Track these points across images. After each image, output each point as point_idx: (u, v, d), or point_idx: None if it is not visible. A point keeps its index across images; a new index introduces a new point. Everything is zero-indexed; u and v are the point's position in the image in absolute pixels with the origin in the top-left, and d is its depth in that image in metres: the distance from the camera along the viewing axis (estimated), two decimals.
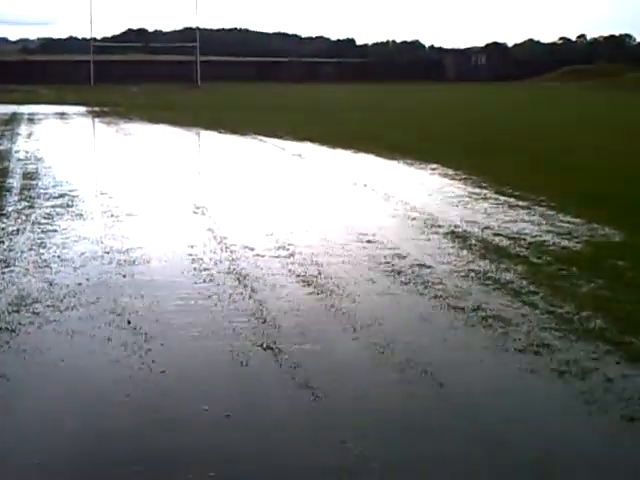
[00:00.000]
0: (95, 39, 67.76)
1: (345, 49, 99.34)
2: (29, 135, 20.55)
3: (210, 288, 7.02)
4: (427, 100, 42.10)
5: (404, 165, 15.31)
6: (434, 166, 14.92)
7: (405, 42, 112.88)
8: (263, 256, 8.22)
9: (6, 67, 67.19)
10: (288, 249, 8.50)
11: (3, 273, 7.52)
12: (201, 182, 13.91)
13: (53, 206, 10.87)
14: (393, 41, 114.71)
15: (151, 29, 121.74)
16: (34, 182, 12.84)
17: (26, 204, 10.98)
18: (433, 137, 20.70)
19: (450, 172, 14.20)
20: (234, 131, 21.98)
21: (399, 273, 7.52)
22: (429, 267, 7.76)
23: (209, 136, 22.12)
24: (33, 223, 9.75)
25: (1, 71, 64.55)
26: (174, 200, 11.55)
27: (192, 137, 22.35)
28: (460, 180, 13.36)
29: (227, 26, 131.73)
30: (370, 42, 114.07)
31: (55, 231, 9.34)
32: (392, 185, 12.93)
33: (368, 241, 8.86)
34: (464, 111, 32.16)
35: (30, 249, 8.48)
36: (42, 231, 9.32)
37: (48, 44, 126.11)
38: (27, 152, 16.79)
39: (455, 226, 9.66)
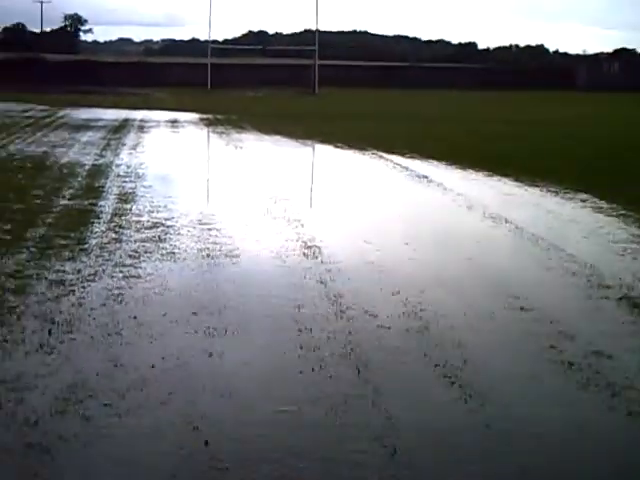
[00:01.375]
0: (215, 41, 67.30)
1: (466, 53, 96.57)
2: (135, 146, 19.32)
3: (320, 383, 5.29)
4: (563, 112, 39.07)
5: (549, 195, 13.27)
6: (584, 197, 12.85)
7: (529, 46, 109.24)
8: (388, 328, 6.45)
9: (126, 69, 67.41)
10: (420, 317, 6.71)
11: (61, 342, 5.97)
12: (315, 214, 12.03)
13: (143, 240, 9.36)
14: (516, 45, 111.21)
15: (271, 31, 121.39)
16: (128, 206, 11.41)
17: (113, 236, 9.50)
18: (577, 159, 18.36)
19: (604, 205, 12.13)
20: (351, 145, 20.29)
21: (571, 366, 5.63)
22: (609, 357, 5.84)
23: (325, 152, 20.34)
24: (115, 264, 8.23)
25: (122, 73, 64.85)
26: (283, 237, 9.86)
27: (307, 153, 20.67)
28: (619, 217, 11.29)
29: (346, 28, 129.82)
30: (492, 46, 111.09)
31: (138, 278, 7.78)
32: (538, 223, 10.95)
33: (522, 308, 6.97)
34: (609, 127, 29.43)
35: (103, 304, 6.93)
36: (123, 276, 7.79)
37: (170, 46, 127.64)
38: (128, 167, 15.47)
39: (628, 287, 7.67)
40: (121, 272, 7.95)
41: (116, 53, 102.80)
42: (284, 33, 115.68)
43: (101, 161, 16.24)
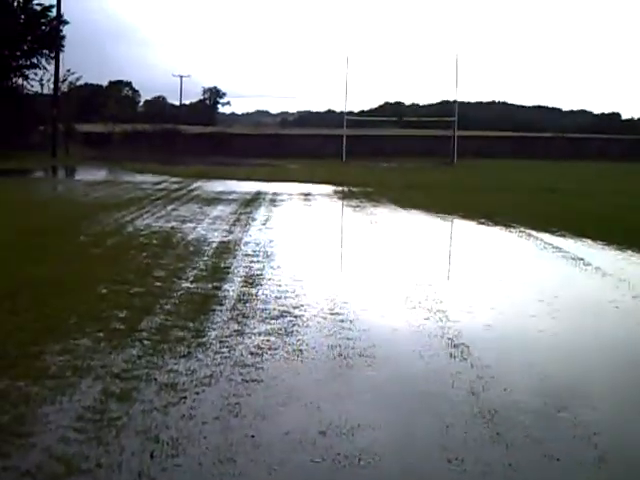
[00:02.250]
0: (350, 112, 67.28)
1: (609, 123, 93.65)
2: (265, 221, 18.56)
3: None
4: None
5: None
6: None
7: None
8: (557, 460, 5.21)
9: (260, 140, 68.07)
10: (595, 445, 5.42)
11: (163, 470, 4.99)
12: (460, 304, 10.50)
13: (267, 333, 8.35)
14: None
15: (408, 102, 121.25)
16: (254, 291, 10.48)
17: (235, 328, 8.52)
18: None
19: None
20: (496, 221, 18.97)
21: None
22: None
23: (467, 228, 18.98)
24: (235, 364, 7.23)
25: (256, 144, 65.47)
26: (425, 333, 8.68)
27: (447, 230, 19.35)
28: None
29: (484, 99, 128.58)
30: (637, 116, 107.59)
31: (259, 382, 6.74)
32: None
33: None
34: None
35: (216, 417, 5.91)
36: (242, 380, 6.77)
37: (305, 117, 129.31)
38: (257, 244, 14.64)
39: None
40: (240, 374, 6.94)
41: (252, 125, 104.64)
42: (420, 104, 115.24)
43: (229, 238, 15.49)
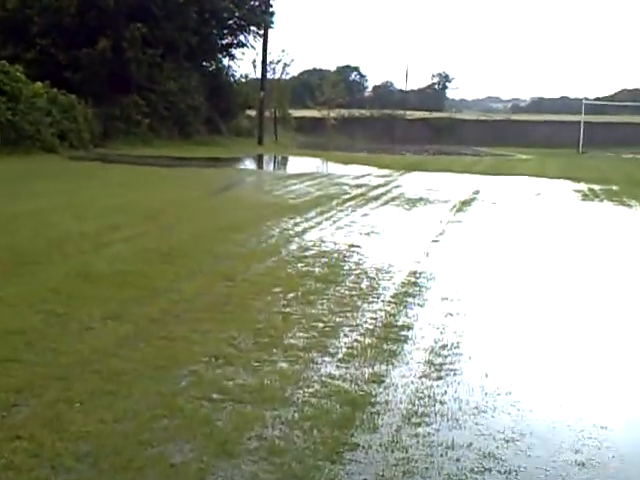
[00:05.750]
0: (587, 98, 60.44)
1: None
2: (478, 238, 13.92)
3: None
4: None
5: None
6: None
7: None
8: None
9: (488, 127, 63.04)
10: None
11: None
12: None
13: None
14: None
15: None
16: (445, 390, 6.00)
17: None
18: None
19: None
20: None
21: None
22: None
23: None
24: None
25: (483, 131, 60.71)
26: None
27: None
28: None
29: None
30: None
31: None
32: None
33: None
34: None
35: None
36: None
37: (538, 103, 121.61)
38: (460, 277, 10.11)
39: None
40: None
41: (482, 111, 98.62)
42: None
43: (424, 266, 10.98)
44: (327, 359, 6.64)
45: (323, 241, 12.76)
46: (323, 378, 6.15)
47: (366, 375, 6.26)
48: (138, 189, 20.38)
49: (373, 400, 5.75)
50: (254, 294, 8.93)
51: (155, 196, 18.70)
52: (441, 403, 5.75)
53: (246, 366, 6.36)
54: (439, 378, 6.28)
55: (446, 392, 5.98)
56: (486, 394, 5.98)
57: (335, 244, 12.52)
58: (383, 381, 6.15)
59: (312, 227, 14.29)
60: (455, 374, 6.41)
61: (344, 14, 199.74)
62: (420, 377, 6.28)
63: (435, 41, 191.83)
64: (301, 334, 7.36)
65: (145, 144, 36.30)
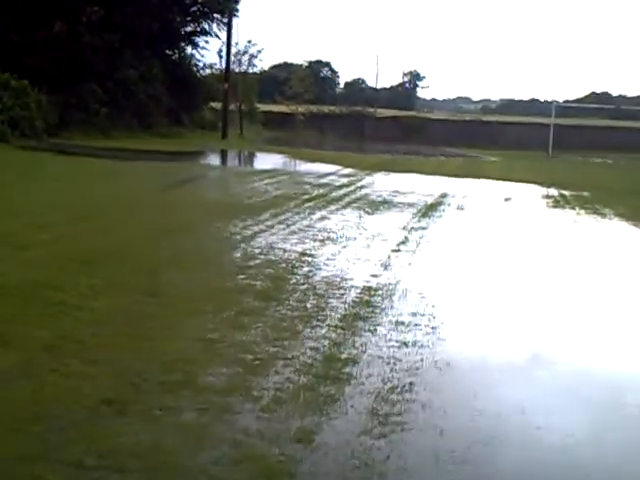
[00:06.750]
0: (557, 102, 59.63)
1: None
2: (443, 247, 12.80)
3: None
4: None
5: None
6: None
7: None
8: None
9: (456, 127, 62.15)
10: None
11: None
12: None
13: None
14: None
15: (615, 93, 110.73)
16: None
17: None
18: None
19: None
20: None
21: None
22: None
23: None
24: None
25: (452, 131, 59.73)
26: None
27: None
28: None
29: None
30: None
31: None
32: None
33: None
34: None
35: None
36: None
37: (508, 105, 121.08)
38: (422, 299, 8.97)
39: None
40: None
41: (452, 111, 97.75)
42: (628, 96, 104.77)
43: (381, 279, 9.82)
44: (247, 406, 5.43)
45: (272, 248, 11.55)
46: (236, 435, 4.94)
47: (292, 431, 5.06)
48: (84, 183, 19.05)
49: (294, 470, 4.55)
50: (179, 315, 7.70)
51: (100, 192, 17.39)
52: (380, 476, 4.57)
53: (142, 416, 5.13)
54: (382, 436, 5.10)
55: (389, 457, 4.80)
56: (442, 461, 4.81)
57: (285, 252, 11.31)
58: (312, 440, 4.95)
59: (263, 231, 13.06)
60: (403, 429, 5.23)
61: (317, 8, 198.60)
62: (359, 434, 5.10)
63: (407, 39, 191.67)
64: (222, 370, 6.15)
65: (104, 135, 34.80)
